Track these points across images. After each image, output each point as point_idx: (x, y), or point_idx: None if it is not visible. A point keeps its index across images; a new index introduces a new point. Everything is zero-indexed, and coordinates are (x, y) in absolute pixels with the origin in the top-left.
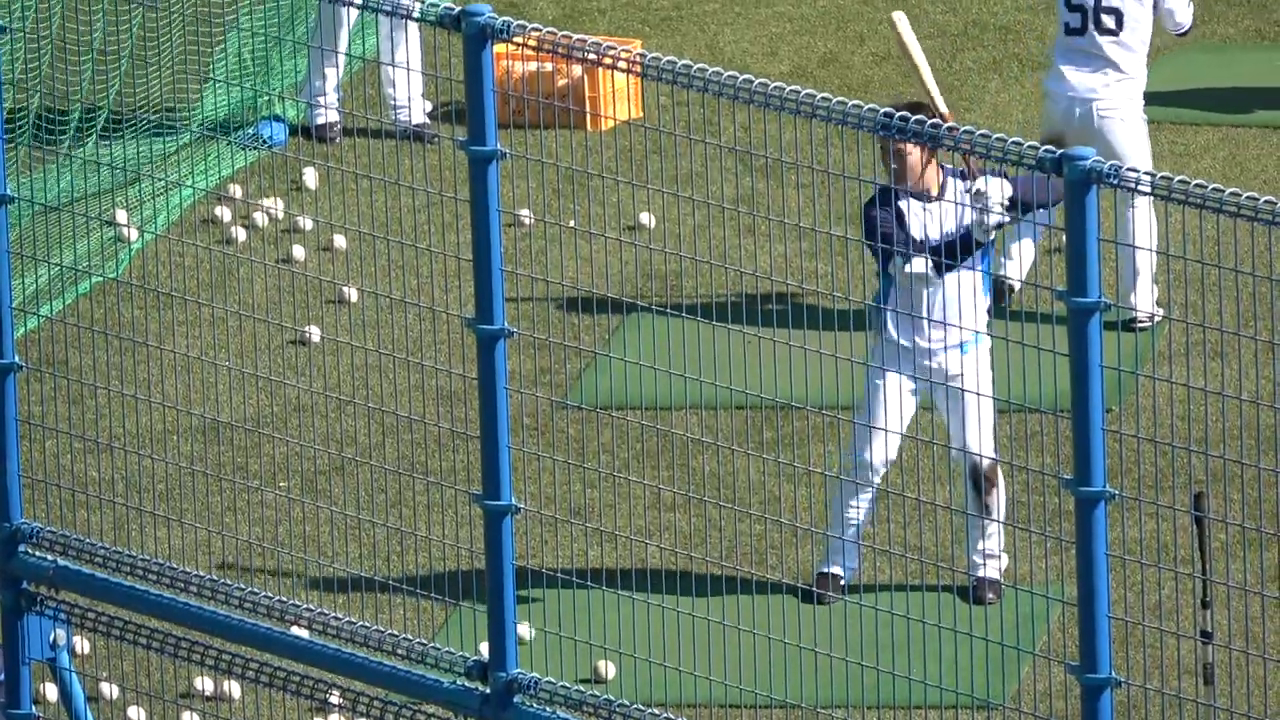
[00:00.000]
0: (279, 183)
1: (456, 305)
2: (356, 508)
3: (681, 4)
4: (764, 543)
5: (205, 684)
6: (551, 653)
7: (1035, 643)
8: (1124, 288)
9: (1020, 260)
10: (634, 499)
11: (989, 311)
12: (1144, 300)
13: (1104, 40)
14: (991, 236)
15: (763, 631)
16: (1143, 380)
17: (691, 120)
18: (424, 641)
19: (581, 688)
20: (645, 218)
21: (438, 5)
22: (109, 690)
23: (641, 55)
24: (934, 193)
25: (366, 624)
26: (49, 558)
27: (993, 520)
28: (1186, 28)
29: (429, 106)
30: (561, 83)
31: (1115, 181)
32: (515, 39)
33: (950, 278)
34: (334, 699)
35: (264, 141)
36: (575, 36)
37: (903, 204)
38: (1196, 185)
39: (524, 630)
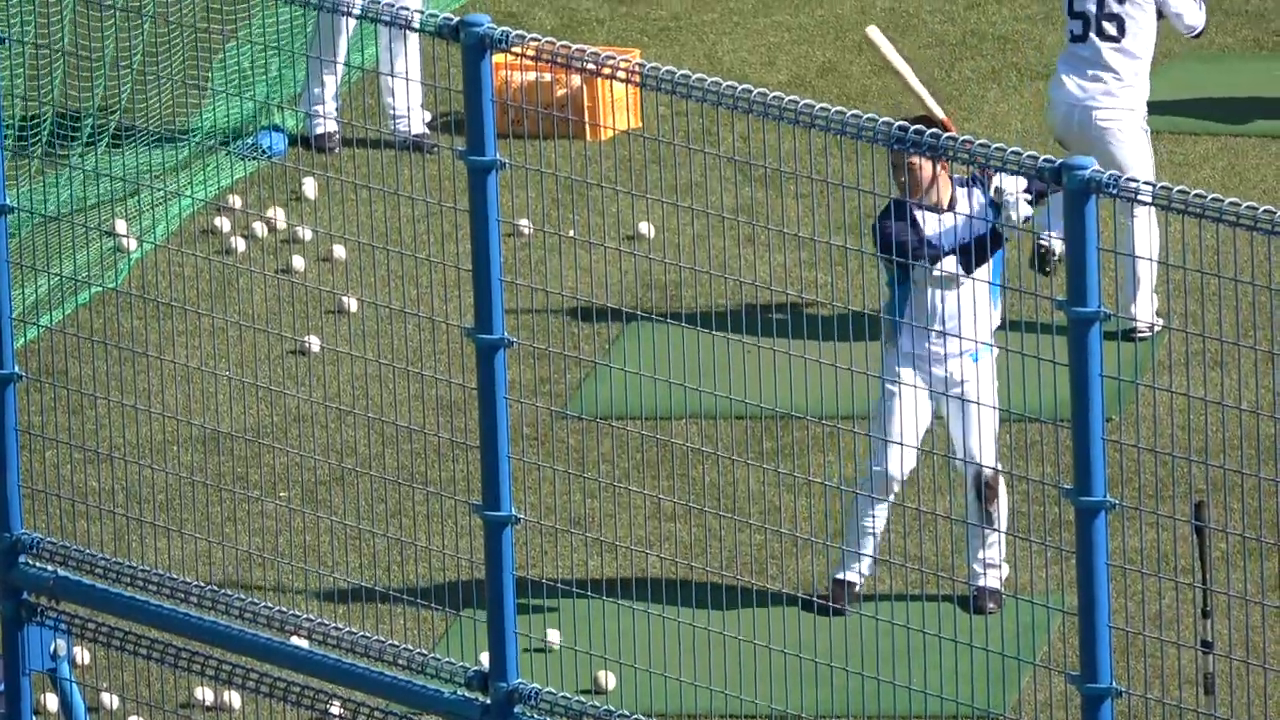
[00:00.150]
0: (278, 193)
1: (456, 315)
2: (357, 518)
3: (680, 14)
4: (764, 553)
5: (205, 694)
6: (552, 663)
7: (1036, 652)
8: (1124, 297)
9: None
10: (634, 509)
11: (999, 320)
12: (1144, 310)
13: (1105, 47)
14: (1018, 229)
15: (763, 642)
16: (1143, 390)
17: (690, 130)
18: (424, 652)
19: (582, 698)
20: (645, 227)
21: (437, 15)
22: (109, 701)
23: (640, 65)
24: (944, 204)
25: (367, 634)
26: (49, 568)
27: (994, 529)
28: (1200, 29)
29: (428, 116)
30: (560, 93)
31: (1114, 191)
32: (514, 49)
33: (964, 286)
34: (334, 709)
35: (263, 152)
36: (574, 46)
37: (916, 214)
38: (1196, 195)
39: (553, 636)
